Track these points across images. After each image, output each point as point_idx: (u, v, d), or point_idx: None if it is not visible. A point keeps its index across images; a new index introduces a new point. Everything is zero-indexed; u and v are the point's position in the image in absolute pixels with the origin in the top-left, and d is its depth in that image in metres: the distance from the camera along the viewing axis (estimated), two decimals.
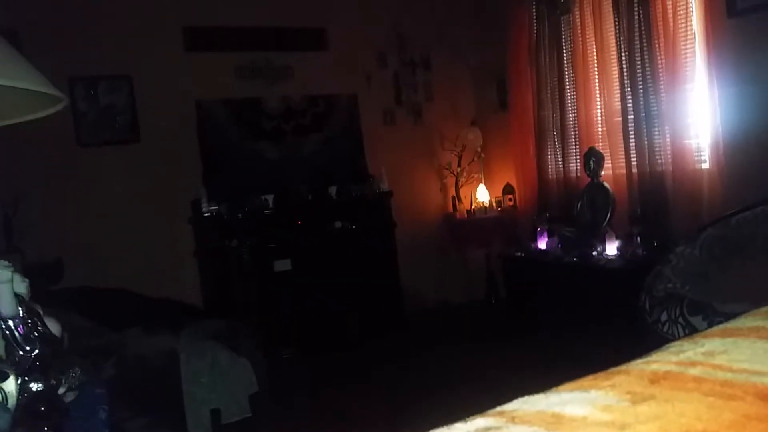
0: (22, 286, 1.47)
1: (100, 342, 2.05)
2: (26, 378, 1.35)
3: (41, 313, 1.51)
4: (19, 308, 1.43)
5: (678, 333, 2.34)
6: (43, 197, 3.77)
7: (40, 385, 1.36)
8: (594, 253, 4.00)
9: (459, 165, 5.28)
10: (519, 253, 4.60)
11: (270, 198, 4.23)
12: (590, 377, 0.78)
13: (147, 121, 4.22)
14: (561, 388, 0.75)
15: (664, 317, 2.49)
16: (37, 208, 3.70)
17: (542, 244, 4.42)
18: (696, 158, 3.82)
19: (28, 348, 1.39)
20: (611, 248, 3.93)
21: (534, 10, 4.79)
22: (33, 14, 3.80)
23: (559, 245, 4.32)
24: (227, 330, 2.67)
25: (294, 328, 4.14)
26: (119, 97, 4.17)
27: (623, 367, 0.81)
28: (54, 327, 1.52)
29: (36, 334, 1.44)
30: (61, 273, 3.51)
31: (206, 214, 4.07)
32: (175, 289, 3.76)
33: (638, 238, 3.87)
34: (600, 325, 3.61)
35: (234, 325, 2.87)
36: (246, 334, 2.87)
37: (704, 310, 2.33)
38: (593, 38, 4.34)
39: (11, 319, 1.40)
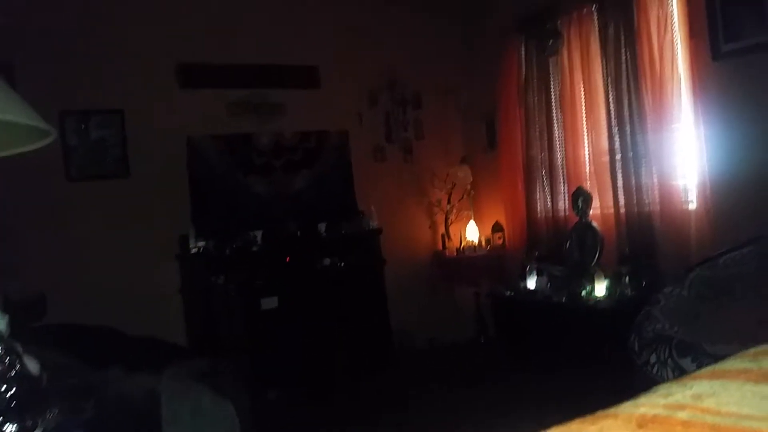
0: (1, 322, 1.43)
1: (80, 381, 2.00)
2: (1, 419, 1.30)
3: (20, 351, 1.47)
4: None
5: (667, 375, 2.32)
6: (29, 231, 3.74)
7: (14, 427, 1.32)
8: (583, 292, 4.00)
9: (449, 202, 5.30)
10: (508, 292, 4.58)
11: (258, 234, 4.21)
12: (578, 421, 0.77)
13: (137, 156, 4.22)
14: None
15: (653, 359, 2.47)
16: (23, 242, 3.66)
17: (531, 283, 4.41)
18: (683, 198, 3.86)
19: (4, 388, 1.35)
20: (600, 288, 3.92)
21: (523, 52, 4.87)
22: (28, 47, 3.83)
23: (549, 284, 4.32)
24: (211, 370, 2.62)
25: (280, 368, 4.07)
26: (110, 132, 4.17)
27: (611, 411, 0.80)
28: (33, 365, 1.48)
29: (14, 374, 1.40)
30: (44, 309, 3.45)
31: (193, 251, 4.03)
32: (159, 327, 3.69)
33: (627, 278, 3.87)
34: (590, 365, 3.58)
35: (218, 365, 2.81)
36: (230, 375, 2.81)
37: (693, 352, 2.31)
38: (581, 79, 4.42)
39: None
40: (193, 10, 4.43)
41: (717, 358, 1.02)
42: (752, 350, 1.03)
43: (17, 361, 1.43)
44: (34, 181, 3.78)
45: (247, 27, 4.62)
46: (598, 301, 3.87)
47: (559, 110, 4.63)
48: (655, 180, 3.94)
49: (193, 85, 4.42)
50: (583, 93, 4.42)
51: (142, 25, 4.26)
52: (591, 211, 4.25)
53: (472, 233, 5.24)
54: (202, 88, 4.46)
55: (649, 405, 0.81)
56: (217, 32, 4.50)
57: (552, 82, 4.68)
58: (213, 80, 4.51)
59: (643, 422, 0.75)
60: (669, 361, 2.37)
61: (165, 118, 4.26)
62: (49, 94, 3.72)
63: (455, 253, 5.20)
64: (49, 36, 3.95)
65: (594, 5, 4.25)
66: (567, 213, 4.56)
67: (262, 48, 4.66)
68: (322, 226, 4.48)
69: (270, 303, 4.11)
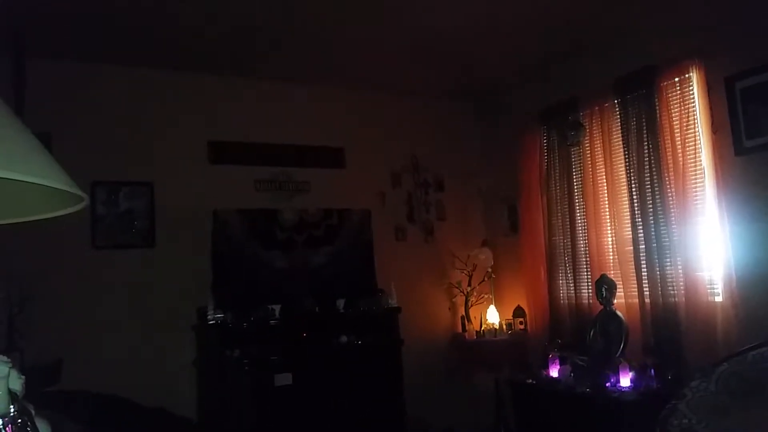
0: (17, 383, 1.43)
1: None
2: None
3: (33, 413, 1.46)
4: (11, 406, 1.38)
5: None
6: (50, 296, 3.77)
7: None
8: (607, 384, 3.87)
9: (469, 284, 5.25)
10: (530, 380, 4.44)
11: (277, 308, 4.19)
12: None
13: (164, 227, 4.30)
14: None
15: None
16: (44, 306, 3.69)
17: (554, 372, 4.28)
18: (709, 290, 3.78)
19: None
20: (625, 379, 3.79)
21: (545, 141, 4.95)
22: (66, 118, 4.00)
23: (572, 374, 4.18)
24: None
25: None
26: (139, 203, 4.27)
27: None
28: (44, 428, 1.46)
29: None
30: (59, 374, 3.44)
31: (211, 322, 4.02)
32: (171, 399, 3.65)
33: (652, 370, 3.75)
34: None
35: None
36: None
37: None
38: (603, 169, 4.43)
39: (1, 417, 1.35)
40: (226, 93, 4.64)
41: None
42: None
43: (29, 422, 1.41)
44: (59, 247, 3.87)
45: (276, 109, 4.81)
46: (622, 393, 3.74)
47: (582, 199, 4.63)
48: (680, 271, 3.88)
49: (222, 161, 4.57)
50: (605, 183, 4.43)
51: (178, 104, 4.46)
52: (615, 300, 4.17)
53: (492, 317, 5.16)
54: (231, 164, 4.59)
55: None
56: (248, 113, 4.69)
57: (574, 171, 4.71)
58: (242, 158, 4.66)
59: None
60: None
61: (193, 192, 4.37)
62: (82, 164, 3.84)
63: (475, 336, 5.11)
64: (87, 109, 4.14)
65: (616, 99, 4.34)
66: (591, 301, 4.48)
67: (290, 129, 4.83)
68: (340, 303, 4.45)
69: (284, 379, 4.03)
